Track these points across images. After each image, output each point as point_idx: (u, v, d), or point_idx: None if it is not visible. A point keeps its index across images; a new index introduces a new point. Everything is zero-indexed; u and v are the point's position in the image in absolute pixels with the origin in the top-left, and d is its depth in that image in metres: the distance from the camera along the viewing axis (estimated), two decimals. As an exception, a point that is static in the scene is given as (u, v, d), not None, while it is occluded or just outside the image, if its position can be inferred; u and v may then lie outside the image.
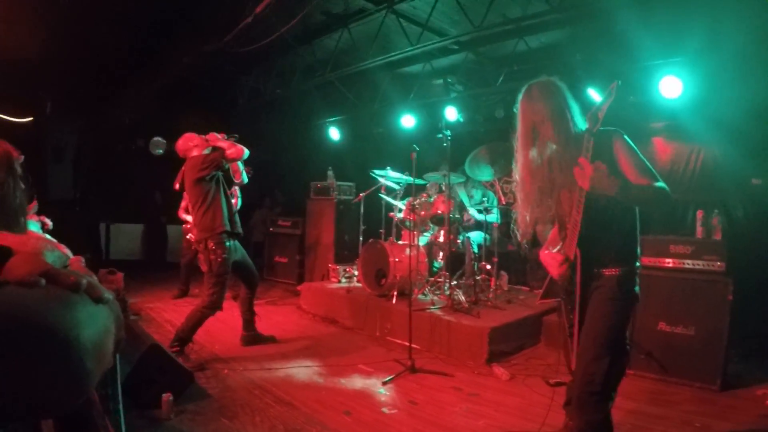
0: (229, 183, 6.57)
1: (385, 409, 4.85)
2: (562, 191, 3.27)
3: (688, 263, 5.51)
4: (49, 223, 5.15)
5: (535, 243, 3.63)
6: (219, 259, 5.97)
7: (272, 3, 6.54)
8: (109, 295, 1.42)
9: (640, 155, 3.11)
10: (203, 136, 6.35)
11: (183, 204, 9.16)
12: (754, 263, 6.57)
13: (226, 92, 11.99)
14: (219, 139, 6.31)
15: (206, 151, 6.25)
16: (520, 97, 3.41)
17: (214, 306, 6.03)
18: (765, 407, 4.78)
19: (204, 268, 6.14)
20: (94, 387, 1.46)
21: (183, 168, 6.34)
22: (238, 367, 5.86)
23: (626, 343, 3.27)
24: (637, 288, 3.24)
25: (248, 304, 6.70)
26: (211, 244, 5.98)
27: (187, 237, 9.10)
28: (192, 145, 6.31)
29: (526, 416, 4.65)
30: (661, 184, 2.99)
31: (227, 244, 6.07)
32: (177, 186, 6.47)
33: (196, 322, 6.00)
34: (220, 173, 6.21)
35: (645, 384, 5.43)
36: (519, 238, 3.59)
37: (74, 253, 2.64)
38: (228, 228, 6.09)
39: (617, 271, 3.15)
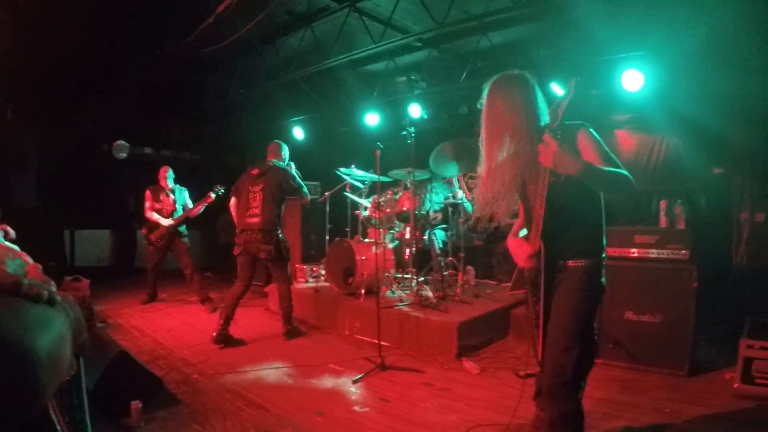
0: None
1: (357, 408, 4.83)
2: (529, 186, 3.28)
3: (653, 252, 5.61)
4: (11, 232, 5.09)
5: (496, 235, 3.63)
6: (287, 245, 7.19)
7: (234, 3, 6.47)
8: (55, 295, 1.38)
9: (605, 146, 3.11)
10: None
11: (149, 204, 9.06)
12: (717, 250, 6.72)
13: (190, 94, 11.83)
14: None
15: (293, 171, 7.39)
16: (486, 89, 3.39)
17: (291, 281, 7.64)
18: (733, 390, 4.85)
19: (262, 256, 6.97)
20: (50, 396, 1.41)
21: (269, 164, 7.22)
22: (207, 371, 5.79)
23: (594, 333, 3.30)
24: (603, 279, 3.28)
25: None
26: (280, 235, 7.05)
27: (154, 239, 9.00)
28: (281, 156, 7.42)
29: (497, 409, 4.66)
30: (625, 171, 2.99)
31: None
32: (256, 171, 7.19)
33: (290, 295, 7.28)
34: None
35: (614, 372, 5.50)
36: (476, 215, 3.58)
37: (39, 261, 2.58)
38: None
39: (584, 262, 3.18)
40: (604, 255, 3.31)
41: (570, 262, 3.20)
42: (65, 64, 9.33)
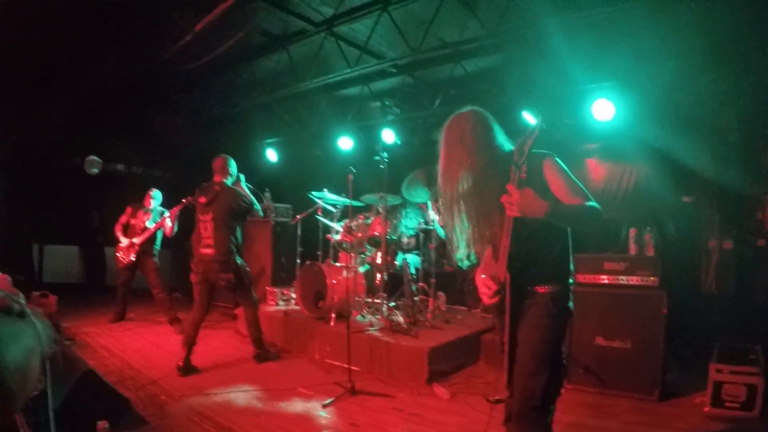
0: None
1: (326, 432, 4.78)
2: (494, 214, 3.30)
3: (623, 279, 5.72)
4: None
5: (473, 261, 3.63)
6: (247, 269, 7.11)
7: (212, 22, 6.47)
8: (25, 308, 1.36)
9: (572, 176, 3.17)
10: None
11: (123, 219, 9.00)
12: (686, 276, 6.82)
13: (164, 111, 11.74)
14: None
15: (243, 184, 7.24)
16: (443, 129, 3.44)
17: (258, 303, 7.34)
18: (703, 414, 4.94)
19: (222, 284, 6.86)
20: (18, 409, 1.39)
21: (217, 188, 6.94)
22: (175, 393, 5.72)
23: (562, 357, 3.32)
24: (571, 303, 3.31)
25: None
26: (238, 261, 6.90)
27: (119, 256, 8.91)
28: (228, 172, 7.11)
29: (467, 434, 4.66)
30: (592, 203, 3.06)
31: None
32: (203, 200, 6.94)
33: (257, 320, 7.14)
34: None
35: (584, 397, 5.55)
36: (456, 261, 3.60)
37: (5, 274, 2.53)
38: None
39: (551, 288, 3.20)
40: (571, 280, 3.34)
41: (537, 288, 3.22)
42: (37, 74, 9.22)
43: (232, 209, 6.89)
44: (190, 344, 6.59)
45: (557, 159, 3.21)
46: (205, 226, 6.85)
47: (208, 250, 6.78)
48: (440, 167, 3.45)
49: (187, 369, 6.49)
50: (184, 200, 8.19)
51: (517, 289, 3.17)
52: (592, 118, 7.32)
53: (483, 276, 3.40)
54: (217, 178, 7.03)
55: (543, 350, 3.12)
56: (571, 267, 3.36)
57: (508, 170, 3.01)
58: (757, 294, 6.62)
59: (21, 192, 11.33)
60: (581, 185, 3.14)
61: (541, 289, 3.21)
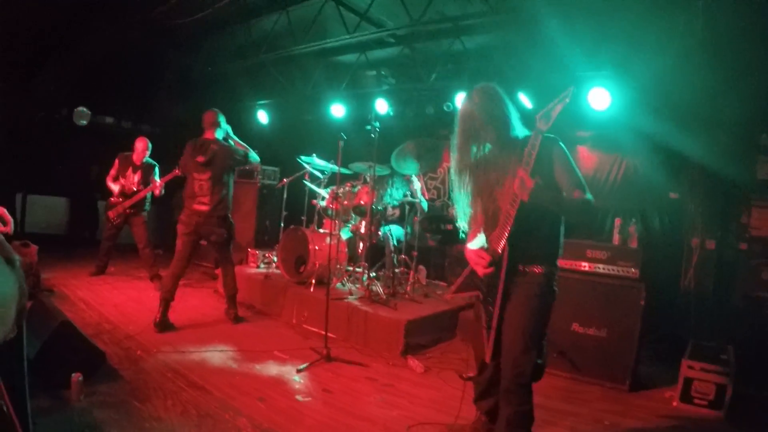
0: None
1: (299, 397, 4.84)
2: (497, 188, 3.37)
3: (604, 268, 5.75)
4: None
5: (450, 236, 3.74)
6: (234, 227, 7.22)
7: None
8: (16, 256, 1.36)
9: (575, 166, 3.28)
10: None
11: (113, 172, 8.85)
12: (666, 271, 6.87)
13: (154, 67, 11.56)
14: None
15: (232, 136, 7.15)
16: (463, 100, 3.55)
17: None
18: (672, 408, 5.03)
19: (213, 239, 6.94)
20: None
21: (213, 146, 6.78)
22: (151, 348, 5.73)
23: (545, 339, 3.40)
24: (556, 287, 3.41)
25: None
26: (230, 218, 7.05)
27: (111, 215, 8.80)
28: (219, 125, 6.95)
29: (439, 408, 4.73)
30: (589, 196, 3.18)
31: None
32: (201, 159, 6.72)
33: (234, 277, 7.22)
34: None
35: (557, 381, 5.60)
36: (466, 232, 3.68)
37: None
38: None
39: (542, 268, 3.31)
40: (557, 264, 3.44)
41: (528, 268, 3.32)
42: (28, 26, 9.03)
43: (229, 166, 6.91)
44: (167, 299, 6.57)
45: (564, 147, 3.32)
46: (201, 185, 6.74)
47: (204, 207, 6.73)
48: (457, 138, 3.56)
49: (164, 325, 6.48)
50: (175, 171, 8.00)
51: (510, 263, 3.26)
52: (588, 106, 7.29)
53: (473, 248, 3.46)
54: (209, 134, 6.88)
55: (534, 329, 3.25)
56: (560, 251, 3.42)
57: (518, 149, 3.17)
58: (734, 296, 6.69)
59: (6, 142, 11.17)
60: (582, 177, 3.25)
61: (532, 269, 3.32)
